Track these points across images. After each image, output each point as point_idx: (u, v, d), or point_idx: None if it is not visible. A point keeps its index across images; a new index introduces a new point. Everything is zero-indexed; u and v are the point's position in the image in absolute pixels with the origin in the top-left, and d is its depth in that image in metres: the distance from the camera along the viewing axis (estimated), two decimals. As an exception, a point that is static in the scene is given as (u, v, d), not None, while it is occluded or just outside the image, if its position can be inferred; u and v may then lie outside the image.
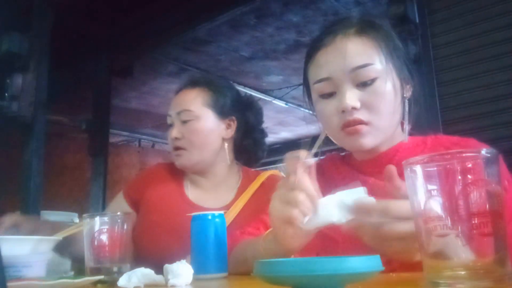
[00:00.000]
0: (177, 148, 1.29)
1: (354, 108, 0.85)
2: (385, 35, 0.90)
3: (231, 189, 1.33)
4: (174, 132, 1.29)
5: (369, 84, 0.85)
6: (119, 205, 1.35)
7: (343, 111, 0.86)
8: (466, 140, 0.90)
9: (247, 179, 1.34)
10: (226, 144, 1.33)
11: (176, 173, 1.38)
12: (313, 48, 0.93)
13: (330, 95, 0.89)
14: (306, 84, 0.98)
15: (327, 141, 0.93)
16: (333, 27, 0.92)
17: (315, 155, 0.80)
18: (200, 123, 1.29)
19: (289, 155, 0.72)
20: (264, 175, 1.34)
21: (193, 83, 1.36)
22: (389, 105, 0.87)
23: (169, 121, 1.33)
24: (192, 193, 1.35)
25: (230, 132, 1.34)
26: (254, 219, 1.09)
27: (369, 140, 0.87)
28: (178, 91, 1.37)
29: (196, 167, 1.32)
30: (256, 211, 1.20)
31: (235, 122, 1.35)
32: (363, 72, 0.85)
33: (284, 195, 0.71)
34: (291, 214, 0.70)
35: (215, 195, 1.33)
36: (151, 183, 1.36)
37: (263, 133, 1.45)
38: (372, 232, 0.66)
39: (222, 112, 1.32)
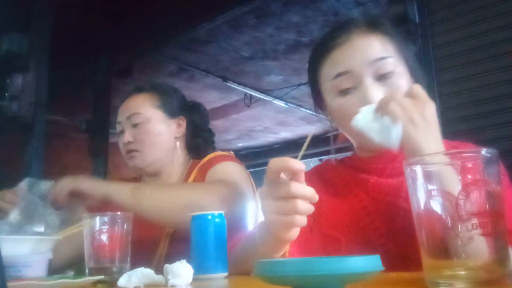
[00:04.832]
0: (130, 151, 1.32)
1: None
2: (394, 32, 0.92)
3: None
4: (126, 136, 1.32)
5: (388, 77, 0.86)
6: None
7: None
8: (464, 145, 0.91)
9: (191, 170, 1.35)
10: (178, 143, 1.38)
11: None
12: (326, 48, 0.92)
13: (349, 90, 0.88)
14: (314, 85, 0.98)
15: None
16: (343, 27, 0.92)
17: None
18: (151, 125, 1.33)
19: (272, 162, 0.69)
20: (204, 160, 1.34)
21: (139, 90, 1.40)
22: None
23: (119, 128, 1.36)
24: None
25: (181, 131, 1.39)
26: None
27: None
28: (123, 101, 1.40)
29: (151, 168, 1.34)
30: None
31: (184, 121, 1.40)
32: (383, 64, 0.86)
33: (280, 207, 0.69)
34: (293, 222, 0.69)
35: None
36: None
37: (211, 133, 1.50)
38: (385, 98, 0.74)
39: (171, 112, 1.37)
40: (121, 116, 1.36)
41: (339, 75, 0.88)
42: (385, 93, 0.85)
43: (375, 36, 0.89)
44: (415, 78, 0.93)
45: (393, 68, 0.86)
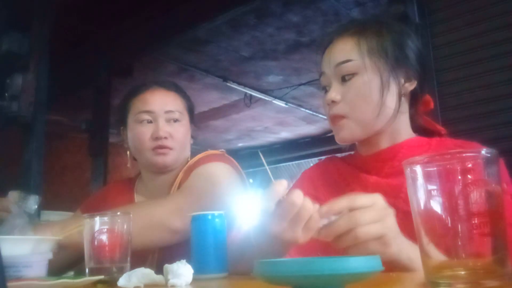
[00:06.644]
0: (162, 147, 1.27)
1: (334, 102, 0.94)
2: (375, 34, 0.95)
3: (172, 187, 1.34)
4: (162, 131, 1.26)
5: (348, 79, 0.93)
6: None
7: (328, 104, 0.95)
8: (469, 143, 0.91)
9: (180, 170, 1.34)
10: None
11: (128, 187, 1.42)
12: (322, 45, 1.02)
13: (327, 87, 0.98)
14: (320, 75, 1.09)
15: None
16: (337, 29, 1.00)
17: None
18: (185, 125, 1.33)
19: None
20: (193, 160, 1.33)
21: (167, 86, 1.36)
22: (368, 99, 0.91)
23: (147, 117, 1.29)
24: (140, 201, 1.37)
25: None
26: None
27: (345, 133, 0.94)
28: (145, 90, 1.34)
29: (174, 166, 1.32)
30: None
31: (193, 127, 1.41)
32: (344, 67, 0.93)
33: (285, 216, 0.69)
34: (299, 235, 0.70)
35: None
36: (107, 198, 1.39)
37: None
38: (348, 238, 0.68)
39: (191, 117, 1.38)
40: (156, 107, 1.29)
41: (320, 74, 1.00)
42: (344, 92, 0.93)
43: (348, 40, 0.95)
44: (408, 78, 0.94)
45: (354, 70, 0.92)
